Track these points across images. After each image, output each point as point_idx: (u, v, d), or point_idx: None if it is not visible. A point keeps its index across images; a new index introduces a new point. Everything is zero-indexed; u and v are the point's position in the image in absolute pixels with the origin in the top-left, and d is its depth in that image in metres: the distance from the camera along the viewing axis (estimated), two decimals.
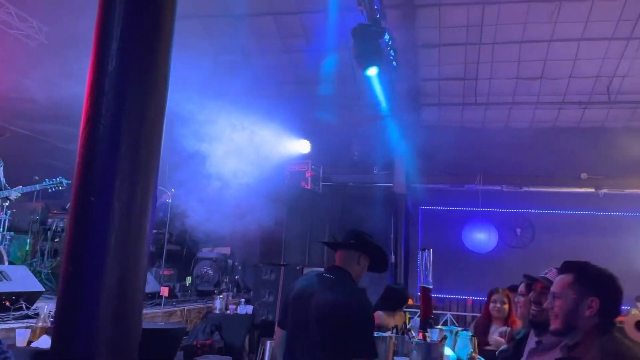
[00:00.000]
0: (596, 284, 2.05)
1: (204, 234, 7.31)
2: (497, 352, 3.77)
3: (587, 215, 10.30)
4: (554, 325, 2.06)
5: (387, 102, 9.08)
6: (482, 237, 10.36)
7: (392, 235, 10.14)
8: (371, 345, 2.48)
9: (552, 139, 9.78)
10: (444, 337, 3.60)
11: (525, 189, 9.79)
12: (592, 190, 9.59)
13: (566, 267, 2.14)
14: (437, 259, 11.98)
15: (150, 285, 6.54)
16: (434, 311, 7.73)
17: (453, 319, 9.37)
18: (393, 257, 9.92)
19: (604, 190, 9.52)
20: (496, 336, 4.36)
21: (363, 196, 9.96)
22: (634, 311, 6.83)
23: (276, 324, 3.03)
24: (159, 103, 2.05)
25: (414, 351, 3.17)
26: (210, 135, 6.63)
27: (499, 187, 10.01)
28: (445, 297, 10.73)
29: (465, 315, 9.66)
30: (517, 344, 3.19)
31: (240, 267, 8.71)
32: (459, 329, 4.29)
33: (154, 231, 7.51)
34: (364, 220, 9.63)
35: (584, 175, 9.31)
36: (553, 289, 2.11)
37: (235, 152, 6.87)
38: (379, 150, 9.89)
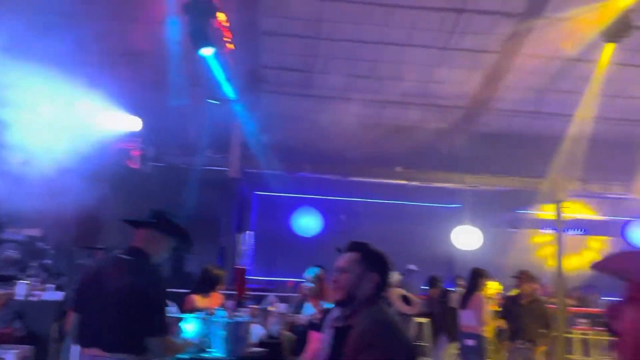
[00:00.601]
0: (377, 262, 2.31)
1: (8, 214, 6.50)
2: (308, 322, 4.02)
3: (401, 204, 11.46)
4: (338, 295, 2.27)
5: (226, 85, 8.99)
6: (309, 223, 10.89)
7: (225, 219, 10.11)
8: (162, 324, 2.55)
9: (375, 134, 10.62)
10: (255, 316, 3.73)
11: (350, 178, 10.49)
12: (406, 182, 10.65)
13: (353, 246, 2.37)
14: (269, 243, 12.28)
15: None
16: (259, 293, 7.94)
17: (277, 300, 9.71)
18: (225, 241, 9.90)
19: (415, 183, 10.64)
20: (308, 314, 4.63)
21: (196, 179, 9.76)
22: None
23: (70, 307, 2.88)
24: None
25: (223, 330, 3.23)
26: (18, 101, 5.89)
27: (326, 176, 10.58)
28: (276, 280, 11.06)
29: (288, 296, 10.08)
30: (326, 313, 3.45)
31: (52, 251, 7.95)
32: (272, 308, 4.48)
33: None
34: (197, 203, 9.46)
35: (398, 169, 10.29)
36: (340, 264, 2.32)
37: (49, 123, 6.20)
38: (215, 133, 9.75)
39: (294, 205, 11.37)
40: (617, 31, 8.05)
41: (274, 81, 11.22)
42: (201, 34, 6.04)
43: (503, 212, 11.34)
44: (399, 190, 11.11)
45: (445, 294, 7.72)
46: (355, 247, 2.36)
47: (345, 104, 10.65)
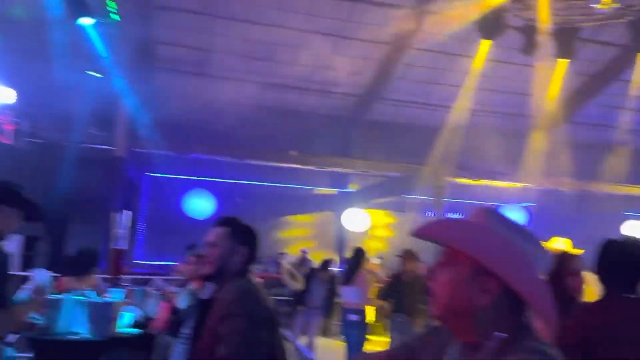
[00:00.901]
0: (247, 236, 2.36)
1: None
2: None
3: (296, 188, 11.65)
4: (207, 270, 2.29)
5: (112, 59, 8.50)
6: (202, 206, 10.69)
7: (109, 201, 9.62)
8: (2, 298, 2.43)
9: (271, 118, 10.65)
10: (131, 297, 3.64)
11: (245, 161, 10.44)
12: (300, 166, 10.82)
13: (223, 221, 2.40)
14: (161, 226, 11.87)
15: None
16: (148, 276, 7.69)
17: (166, 283, 9.48)
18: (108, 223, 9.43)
19: (309, 167, 10.85)
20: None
21: (78, 157, 9.17)
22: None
23: None
24: None
25: (88, 311, 3.12)
26: None
27: (220, 158, 10.44)
28: (167, 264, 10.77)
29: (177, 279, 9.88)
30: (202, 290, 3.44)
31: None
32: (152, 289, 4.39)
33: None
34: (79, 183, 8.92)
35: (293, 153, 10.42)
36: (210, 239, 2.33)
37: None
38: (100, 109, 9.19)
39: (187, 188, 11.10)
40: (493, 28, 8.72)
41: (168, 58, 10.82)
42: (79, 3, 5.64)
43: (391, 196, 11.93)
44: (293, 173, 11.26)
45: (333, 277, 8.09)
46: (225, 222, 2.40)
47: (242, 85, 10.56)
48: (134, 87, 9.31)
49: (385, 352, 1.51)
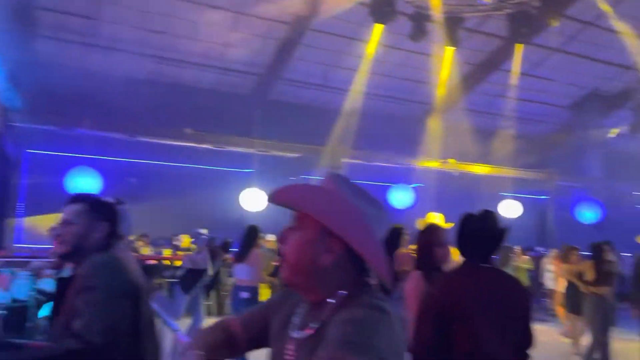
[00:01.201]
0: (106, 211, 2.28)
1: None
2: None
3: (193, 167, 11.35)
4: (62, 249, 2.19)
5: None
6: (89, 185, 10.05)
7: None
8: None
9: (168, 94, 10.22)
10: None
11: (137, 138, 9.97)
12: (196, 145, 10.54)
13: (77, 197, 2.30)
14: (42, 207, 11.06)
15: None
16: (27, 259, 7.14)
17: (42, 264, 8.90)
18: None
19: (206, 146, 10.60)
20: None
21: None
22: None
23: None
24: None
25: None
26: None
27: (110, 134, 9.88)
28: (48, 246, 10.06)
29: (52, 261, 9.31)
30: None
31: None
32: (25, 271, 4.11)
33: None
34: None
35: (188, 130, 10.10)
36: (65, 217, 2.22)
37: None
38: None
39: (72, 166, 10.36)
40: (383, 12, 8.99)
41: (50, 25, 9.96)
42: None
43: (290, 177, 12.02)
44: (191, 152, 10.96)
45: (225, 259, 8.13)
46: (80, 198, 2.31)
47: (134, 58, 10.02)
48: (9, 55, 8.48)
49: (240, 317, 1.54)
